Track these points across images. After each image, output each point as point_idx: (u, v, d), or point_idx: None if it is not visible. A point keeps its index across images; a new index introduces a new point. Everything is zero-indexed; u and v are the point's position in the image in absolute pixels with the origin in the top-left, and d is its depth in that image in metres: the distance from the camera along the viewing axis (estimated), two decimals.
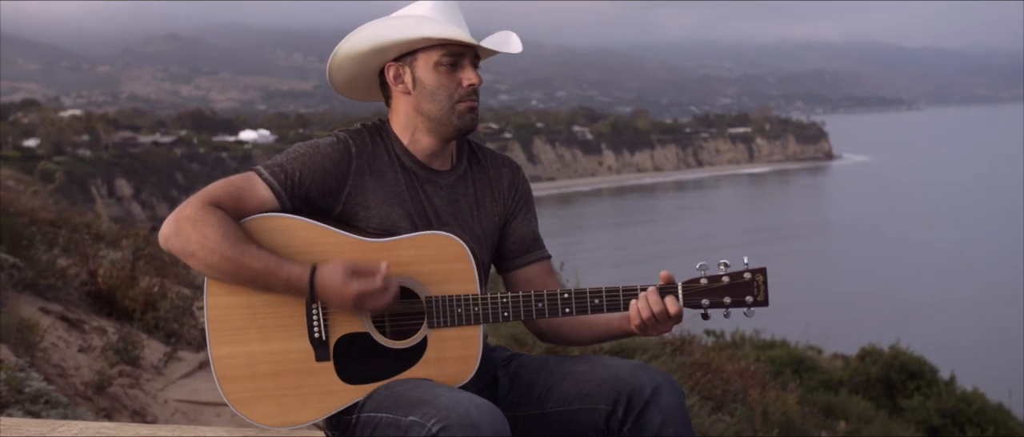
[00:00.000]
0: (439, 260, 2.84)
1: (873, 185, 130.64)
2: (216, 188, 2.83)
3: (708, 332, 20.41)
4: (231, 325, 2.83)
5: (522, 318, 2.85)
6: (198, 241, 2.73)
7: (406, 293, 2.83)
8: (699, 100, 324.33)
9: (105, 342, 7.44)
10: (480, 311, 2.83)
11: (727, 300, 2.83)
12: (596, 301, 2.83)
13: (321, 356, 2.82)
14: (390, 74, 2.97)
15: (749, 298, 2.85)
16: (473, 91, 2.94)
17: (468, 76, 2.93)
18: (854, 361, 20.93)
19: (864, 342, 21.91)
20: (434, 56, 2.91)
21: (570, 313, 2.85)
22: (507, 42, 2.96)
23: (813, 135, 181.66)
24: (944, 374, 20.08)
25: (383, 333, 2.84)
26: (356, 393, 2.82)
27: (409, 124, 2.99)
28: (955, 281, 62.97)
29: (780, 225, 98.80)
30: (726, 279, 2.84)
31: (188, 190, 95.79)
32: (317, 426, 2.92)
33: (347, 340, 2.83)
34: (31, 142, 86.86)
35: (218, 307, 2.82)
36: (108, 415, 6.38)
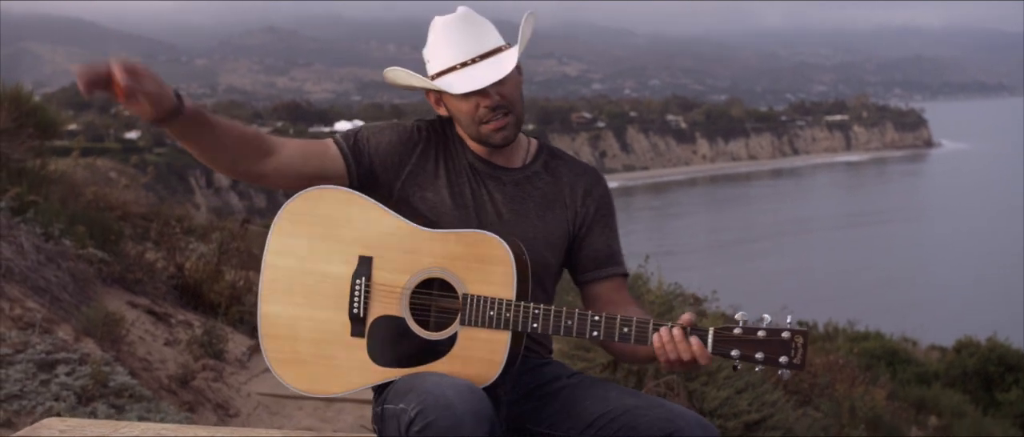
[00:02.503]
0: (482, 260, 2.84)
1: (973, 173, 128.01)
2: (292, 140, 3.02)
3: (801, 324, 20.23)
4: (281, 285, 2.95)
5: (550, 332, 2.81)
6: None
7: (446, 286, 2.87)
8: (794, 88, 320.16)
9: (190, 336, 7.57)
10: (511, 317, 2.81)
11: (759, 356, 2.66)
12: (625, 329, 2.76)
13: (356, 332, 2.91)
14: (431, 100, 3.06)
15: (784, 358, 2.66)
16: (494, 108, 2.92)
17: (483, 99, 2.92)
18: (950, 354, 20.56)
19: (961, 334, 21.50)
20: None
21: (598, 336, 2.78)
22: (501, 62, 2.93)
23: (912, 122, 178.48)
24: None
25: (419, 322, 2.88)
26: (381, 374, 2.88)
27: (463, 134, 3.06)
28: None
29: (877, 211, 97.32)
30: (762, 334, 2.66)
31: None
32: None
33: (383, 322, 2.89)
34: (132, 134, 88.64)
35: (272, 267, 2.97)
36: (191, 408, 6.49)
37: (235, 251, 9.46)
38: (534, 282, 2.93)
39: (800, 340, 2.65)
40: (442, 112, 3.04)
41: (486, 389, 2.83)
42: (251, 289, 8.85)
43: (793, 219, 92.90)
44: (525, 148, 3.09)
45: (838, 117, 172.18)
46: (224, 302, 8.41)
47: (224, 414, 6.71)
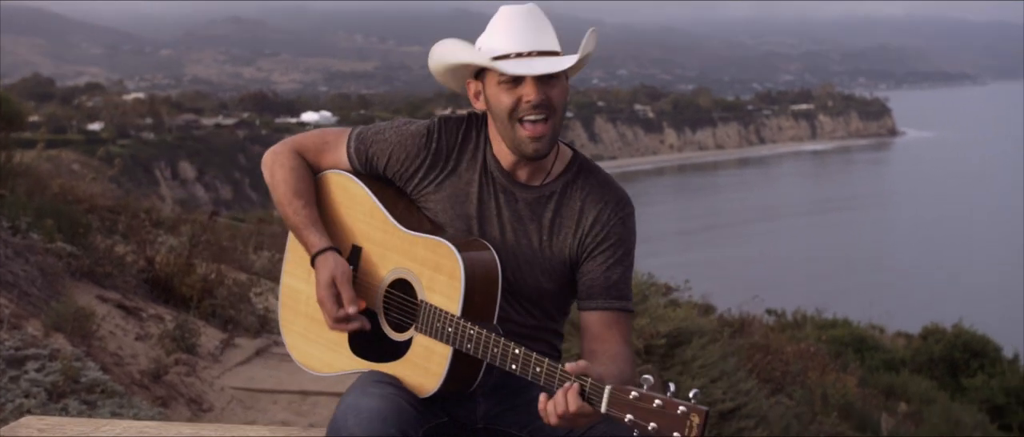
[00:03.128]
0: (439, 269, 2.82)
1: (937, 161, 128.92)
2: (310, 136, 3.16)
3: (769, 311, 20.31)
4: (298, 259, 3.11)
5: (479, 356, 2.74)
6: (270, 177, 3.11)
7: (409, 290, 2.90)
8: (761, 77, 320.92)
9: (162, 330, 7.51)
10: (452, 333, 2.77)
11: (651, 427, 2.44)
12: (537, 369, 2.64)
13: None
14: (470, 91, 2.97)
15: (676, 434, 2.42)
16: (534, 108, 2.81)
17: (527, 93, 2.82)
18: (917, 340, 20.72)
19: (927, 321, 21.67)
20: (497, 74, 2.84)
21: (516, 370, 2.68)
22: (558, 61, 2.84)
23: (876, 111, 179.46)
24: (1008, 353, 19.84)
25: (391, 321, 2.94)
26: (354, 363, 2.97)
27: (495, 137, 2.97)
28: (1019, 259, 61.96)
29: (842, 199, 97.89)
30: (658, 403, 2.45)
31: (251, 172, 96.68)
32: None
33: (364, 314, 2.95)
34: (95, 126, 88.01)
35: (294, 240, 3.12)
36: (164, 403, 6.43)
37: (206, 244, 9.38)
38: (527, 303, 2.91)
39: (697, 419, 2.41)
40: (479, 106, 2.95)
41: (467, 390, 2.83)
42: (223, 282, 8.79)
43: (760, 207, 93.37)
44: (551, 164, 2.97)
45: (804, 106, 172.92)
46: (196, 295, 8.35)
47: (198, 409, 6.65)
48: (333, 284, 2.88)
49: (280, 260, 11.62)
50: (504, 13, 2.89)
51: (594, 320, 2.92)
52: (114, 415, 5.34)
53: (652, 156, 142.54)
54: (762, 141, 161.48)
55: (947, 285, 52.88)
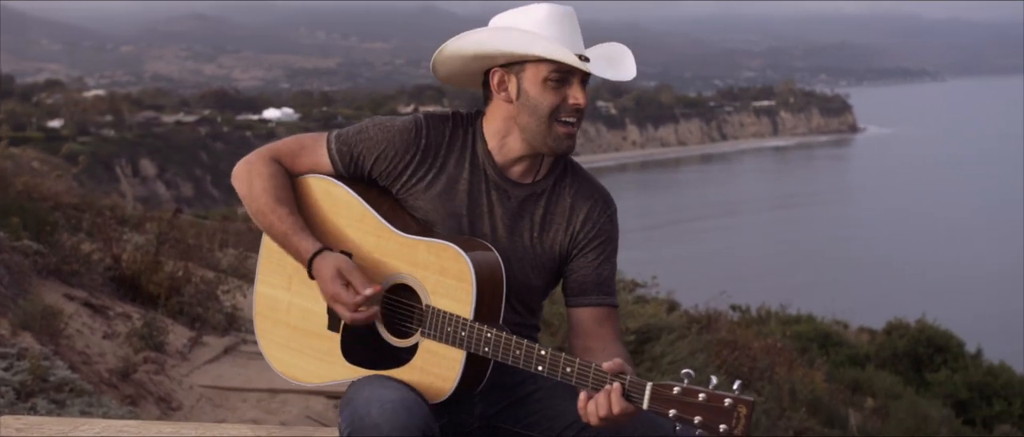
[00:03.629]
0: (445, 273, 2.78)
1: (898, 158, 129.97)
2: (285, 142, 3.05)
3: (734, 307, 20.39)
4: (275, 267, 3.03)
5: (499, 359, 2.72)
6: (246, 189, 2.96)
7: (413, 295, 2.83)
8: (723, 74, 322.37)
9: (130, 328, 7.44)
10: (465, 337, 2.73)
11: (697, 420, 2.46)
12: (568, 369, 2.63)
13: (332, 326, 2.91)
14: (495, 79, 2.89)
15: (723, 427, 2.44)
16: (577, 111, 2.84)
17: (575, 95, 2.82)
18: (881, 335, 20.88)
19: (890, 316, 21.86)
20: (544, 70, 2.81)
21: (542, 371, 2.66)
22: (620, 68, 2.88)
23: (837, 108, 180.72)
24: (971, 348, 20.03)
25: (390, 327, 2.86)
26: (349, 372, 2.87)
27: (502, 130, 2.92)
28: (980, 254, 62.61)
29: (804, 194, 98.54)
30: (702, 396, 2.47)
31: (212, 169, 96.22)
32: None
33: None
34: (55, 123, 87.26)
35: (270, 247, 3.03)
36: (133, 402, 6.37)
37: (174, 241, 9.31)
38: (516, 301, 2.88)
39: (744, 410, 2.44)
40: (502, 98, 2.89)
41: (473, 392, 2.81)
42: (190, 280, 8.72)
43: (723, 203, 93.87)
44: (546, 162, 2.97)
45: (765, 103, 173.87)
46: (163, 293, 8.28)
47: (166, 407, 6.60)
48: (339, 275, 2.78)
49: (247, 258, 11.56)
50: (547, 11, 2.86)
51: (587, 316, 2.93)
52: (83, 414, 5.28)
53: (615, 153, 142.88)
54: (724, 137, 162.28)
55: (909, 280, 53.32)
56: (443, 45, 2.93)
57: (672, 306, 15.42)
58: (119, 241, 9.19)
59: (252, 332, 8.64)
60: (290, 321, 2.99)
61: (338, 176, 2.96)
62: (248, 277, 10.90)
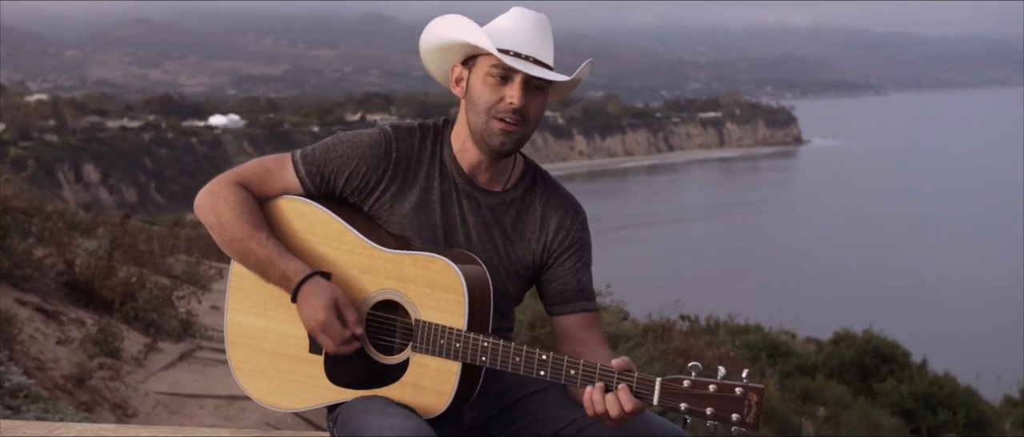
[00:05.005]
0: (435, 286, 2.75)
1: (841, 169, 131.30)
2: (248, 167, 2.94)
3: (683, 317, 20.48)
4: (247, 295, 2.92)
5: (498, 367, 2.70)
6: (214, 218, 2.85)
7: (401, 310, 2.79)
8: (670, 85, 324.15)
9: (84, 334, 7.34)
10: (460, 348, 2.71)
11: (709, 411, 2.49)
12: (572, 372, 2.63)
13: (314, 349, 2.84)
14: (453, 75, 2.91)
15: (735, 415, 2.48)
16: (513, 112, 2.78)
17: (512, 94, 2.78)
18: (828, 345, 21.04)
19: (835, 327, 22.02)
20: (487, 65, 2.80)
21: (545, 376, 2.66)
22: (552, 72, 2.82)
23: (783, 120, 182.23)
24: (916, 358, 20.23)
25: (374, 344, 2.81)
26: (335, 394, 2.82)
27: (462, 133, 2.91)
28: (923, 265, 63.39)
29: (749, 203, 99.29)
30: (713, 388, 2.50)
31: (156, 175, 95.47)
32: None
33: None
34: None
35: (240, 275, 2.93)
36: (89, 408, 6.29)
37: (127, 246, 9.21)
38: (493, 309, 2.86)
39: (754, 398, 2.48)
40: (458, 92, 2.89)
41: (466, 403, 2.79)
42: (145, 285, 8.63)
43: (668, 212, 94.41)
44: (510, 171, 2.96)
45: (712, 114, 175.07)
46: (118, 299, 8.17)
47: (122, 413, 6.52)
48: (335, 305, 2.72)
49: (198, 264, 11.40)
50: (516, 13, 2.86)
51: (572, 323, 2.93)
52: (39, 419, 5.20)
53: (562, 162, 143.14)
54: (671, 148, 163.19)
55: (855, 291, 53.84)
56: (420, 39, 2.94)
57: (623, 315, 15.46)
58: (71, 246, 9.08)
59: (208, 338, 8.56)
60: (267, 348, 2.90)
61: (309, 196, 2.90)
62: (202, 284, 10.80)
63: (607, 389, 2.59)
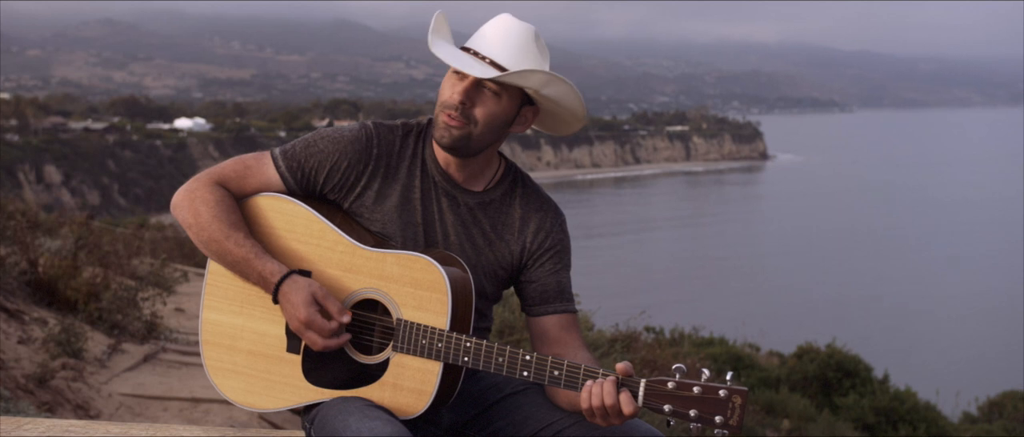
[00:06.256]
0: (418, 285, 2.73)
1: (806, 185, 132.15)
2: (226, 165, 2.91)
3: (648, 329, 20.51)
4: (224, 293, 2.88)
5: (480, 367, 2.68)
6: (192, 217, 2.82)
7: (382, 309, 2.77)
8: (637, 98, 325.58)
9: (46, 333, 7.25)
10: (442, 348, 2.69)
11: (693, 413, 2.48)
12: (555, 373, 2.62)
13: (292, 348, 2.81)
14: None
15: (719, 418, 2.47)
16: (454, 106, 2.77)
17: (453, 87, 2.80)
18: (791, 359, 21.13)
19: (798, 341, 22.12)
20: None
21: (528, 376, 2.65)
22: (482, 67, 2.78)
23: (749, 135, 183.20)
24: (878, 373, 20.35)
25: (354, 344, 2.78)
26: (313, 394, 2.78)
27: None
28: (886, 281, 63.83)
29: (714, 217, 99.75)
30: (697, 390, 2.49)
31: (120, 177, 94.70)
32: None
33: None
34: None
35: (216, 272, 2.88)
36: (50, 409, 6.20)
37: (92, 247, 9.11)
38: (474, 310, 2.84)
39: (738, 400, 2.47)
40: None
41: (445, 404, 2.76)
42: (109, 286, 8.53)
43: (635, 221, 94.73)
44: (492, 171, 2.96)
45: (679, 128, 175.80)
46: (82, 299, 8.08)
47: (85, 415, 6.43)
48: (314, 301, 2.69)
49: (164, 266, 11.31)
50: (496, 19, 2.87)
51: (552, 324, 2.92)
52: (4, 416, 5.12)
53: (529, 173, 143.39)
54: (638, 161, 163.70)
55: (818, 305, 54.11)
56: None
57: (589, 326, 15.45)
58: (34, 246, 8.97)
59: (172, 341, 8.47)
60: (243, 346, 2.86)
61: (290, 193, 2.87)
62: (167, 286, 10.71)
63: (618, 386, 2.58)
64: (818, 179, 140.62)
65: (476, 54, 2.79)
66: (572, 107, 2.93)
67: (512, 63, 2.78)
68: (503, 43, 2.79)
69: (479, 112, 2.79)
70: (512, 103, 2.84)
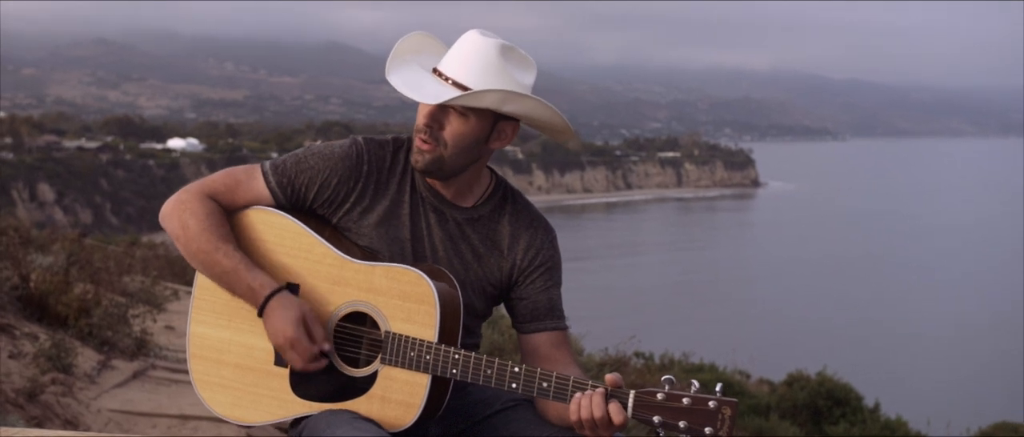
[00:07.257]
0: (406, 297, 2.73)
1: (798, 213, 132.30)
2: (216, 178, 2.90)
3: (638, 354, 20.49)
4: (212, 306, 2.87)
5: (469, 379, 2.68)
6: (180, 229, 2.81)
7: (371, 322, 2.77)
8: (629, 123, 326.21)
9: (37, 348, 7.24)
10: (431, 360, 2.69)
11: (682, 424, 2.48)
12: (544, 384, 2.62)
13: (279, 361, 2.81)
14: None
15: (708, 429, 2.47)
16: (420, 129, 2.79)
17: (420, 110, 2.81)
18: (781, 387, 21.09)
19: (789, 368, 22.09)
20: None
21: (517, 389, 2.65)
22: (438, 91, 2.77)
23: (741, 162, 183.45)
24: (869, 402, 20.32)
25: (341, 356, 2.78)
26: (301, 407, 2.78)
27: None
28: (879, 309, 63.85)
29: (706, 245, 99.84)
30: (687, 401, 2.49)
31: (112, 197, 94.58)
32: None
33: None
34: None
35: (204, 286, 2.88)
36: (40, 423, 6.18)
37: (83, 263, 9.11)
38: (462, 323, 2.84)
39: (728, 411, 2.48)
40: None
41: (433, 418, 2.75)
42: (100, 302, 8.53)
43: (626, 244, 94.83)
44: (482, 187, 2.96)
45: (670, 154, 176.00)
46: (72, 315, 8.07)
47: (73, 430, 6.42)
48: (303, 322, 2.70)
49: (155, 284, 11.29)
50: (465, 36, 2.85)
51: (543, 341, 2.91)
52: None
53: None
54: (629, 186, 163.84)
55: (809, 333, 54.08)
56: None
57: (579, 350, 15.45)
58: (25, 261, 8.96)
59: (162, 357, 8.46)
60: (231, 360, 2.85)
61: (279, 207, 2.87)
62: (157, 303, 10.69)
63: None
64: (810, 207, 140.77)
65: (441, 75, 2.79)
66: (544, 119, 2.91)
67: (475, 82, 2.76)
68: (464, 62, 2.78)
69: (447, 133, 2.79)
70: (482, 121, 2.82)
